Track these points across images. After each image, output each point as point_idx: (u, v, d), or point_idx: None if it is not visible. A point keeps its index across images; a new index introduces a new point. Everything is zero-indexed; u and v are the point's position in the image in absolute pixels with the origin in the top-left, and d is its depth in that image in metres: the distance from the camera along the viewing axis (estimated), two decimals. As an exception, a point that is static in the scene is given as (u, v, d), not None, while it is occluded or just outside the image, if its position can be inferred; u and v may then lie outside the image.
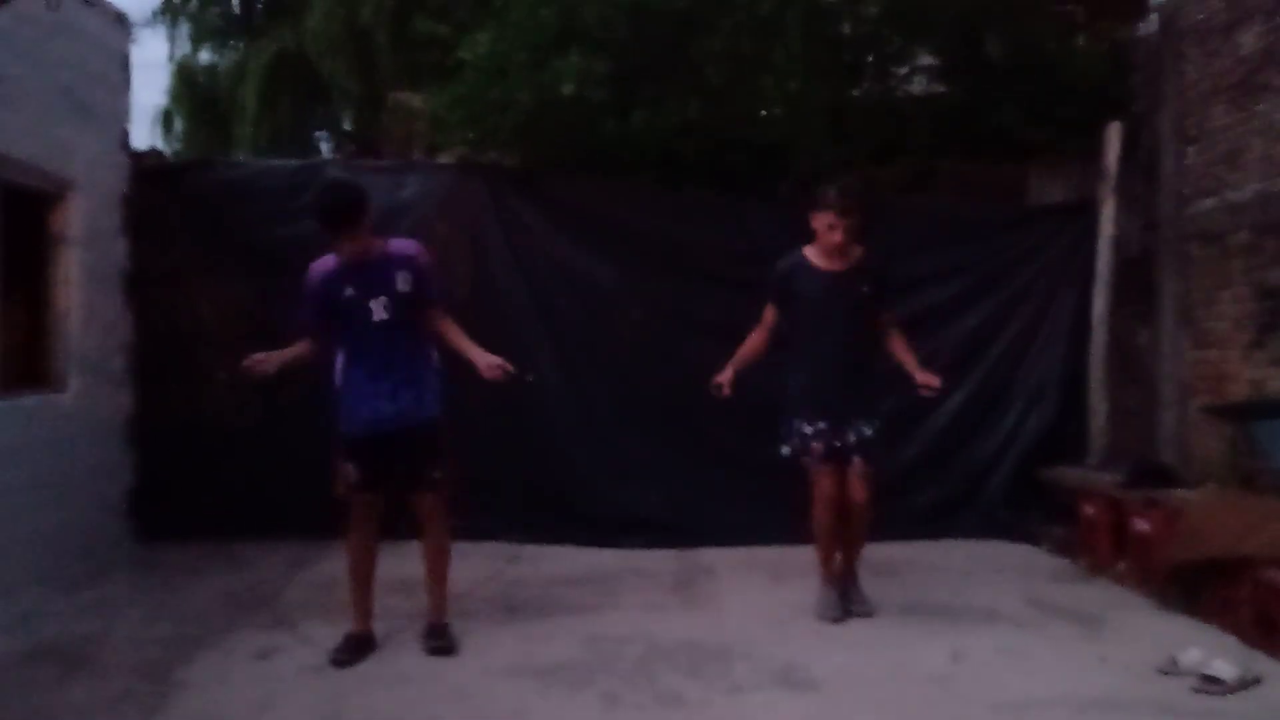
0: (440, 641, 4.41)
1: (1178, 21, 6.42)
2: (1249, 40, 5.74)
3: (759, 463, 6.14)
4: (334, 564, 5.74)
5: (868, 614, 4.88)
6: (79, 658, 4.29)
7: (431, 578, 4.54)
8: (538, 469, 6.50)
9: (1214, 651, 4.11)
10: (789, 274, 4.90)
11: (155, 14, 14.06)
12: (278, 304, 6.10)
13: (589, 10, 6.42)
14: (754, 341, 5.06)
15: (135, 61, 6.46)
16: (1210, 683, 3.89)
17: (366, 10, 11.28)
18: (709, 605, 5.21)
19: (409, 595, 4.80)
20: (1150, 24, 6.78)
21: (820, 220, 4.77)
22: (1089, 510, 5.88)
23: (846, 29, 7.24)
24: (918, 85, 7.68)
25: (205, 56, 14.64)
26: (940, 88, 7.59)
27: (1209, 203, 6.10)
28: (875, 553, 5.29)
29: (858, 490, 4.80)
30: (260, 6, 14.45)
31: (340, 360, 4.44)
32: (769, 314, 5.02)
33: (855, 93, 7.39)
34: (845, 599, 4.92)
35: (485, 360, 4.40)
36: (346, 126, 14.13)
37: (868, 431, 4.81)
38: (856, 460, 4.80)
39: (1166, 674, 4.04)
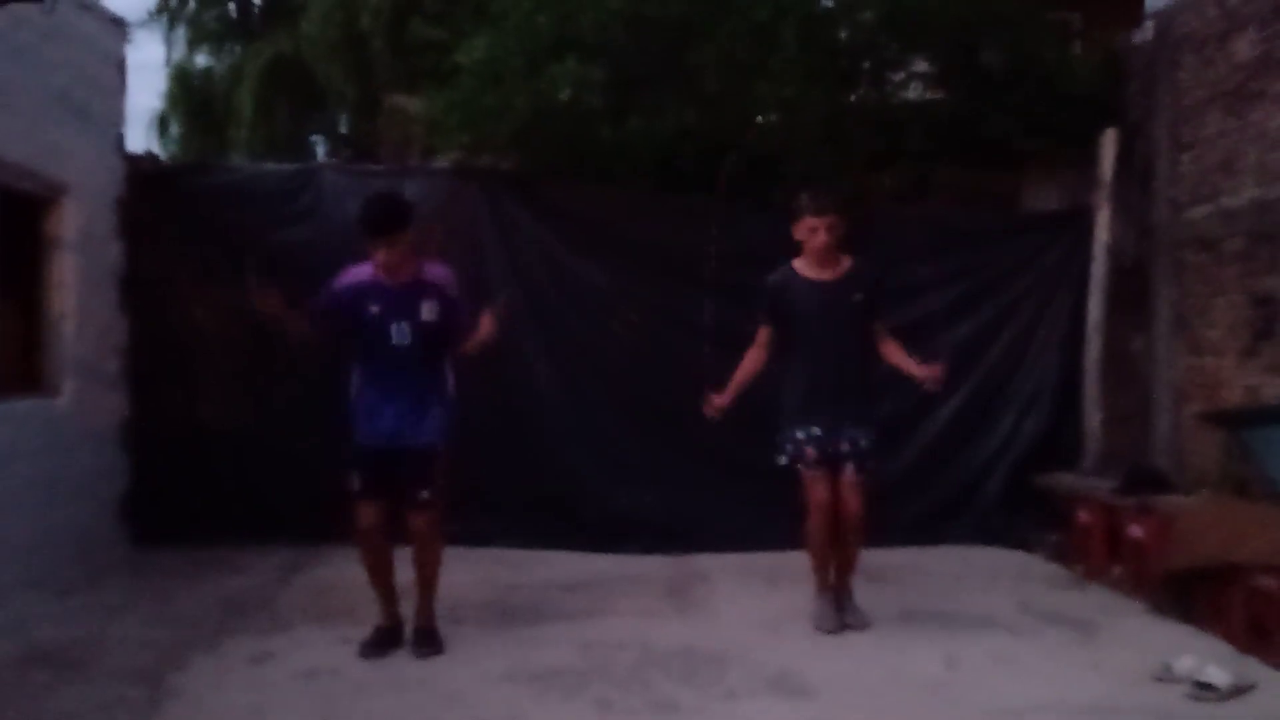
0: (428, 647, 4.41)
1: (1173, 30, 6.44)
2: (1243, 48, 5.76)
3: (755, 468, 6.14)
4: (329, 569, 5.76)
5: (863, 626, 4.85)
6: (72, 662, 4.28)
7: (420, 586, 4.54)
8: (534, 474, 6.49)
9: (1208, 658, 4.11)
10: (780, 289, 4.89)
11: (151, 16, 14.06)
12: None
13: (585, 17, 6.43)
14: (751, 362, 5.03)
15: (131, 64, 6.45)
16: (1204, 689, 3.89)
17: (363, 15, 11.29)
18: (704, 611, 5.20)
19: (404, 602, 4.78)
20: (1145, 32, 6.80)
21: (801, 228, 4.78)
22: (1083, 516, 5.89)
23: (843, 36, 7.25)
24: (914, 92, 7.70)
25: (201, 60, 14.67)
26: (936, 95, 7.61)
27: (1204, 210, 6.12)
28: (870, 559, 5.28)
29: (849, 499, 4.78)
30: (257, 10, 14.46)
31: (356, 371, 4.49)
32: (763, 334, 5.00)
33: (851, 99, 7.40)
34: (841, 610, 4.91)
35: (484, 327, 4.41)
36: (343, 131, 14.13)
37: (862, 441, 4.80)
38: (848, 469, 4.79)
39: (1160, 680, 4.05)
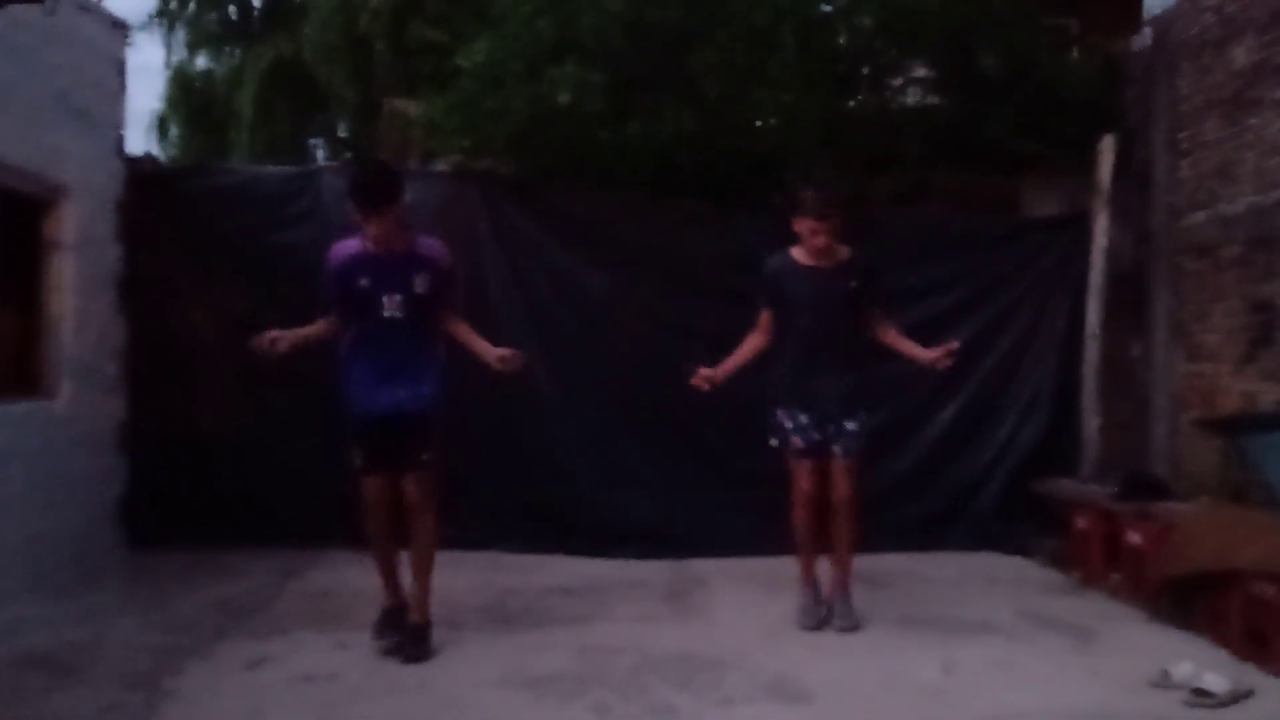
0: (417, 648, 4.39)
1: (1171, 36, 6.45)
2: (1241, 55, 5.77)
3: (753, 473, 6.14)
4: (326, 573, 5.76)
5: (850, 629, 4.85)
6: (68, 666, 4.27)
7: (415, 567, 4.52)
8: (531, 479, 6.49)
9: (1205, 664, 4.11)
10: (778, 273, 4.95)
11: (152, 19, 14.06)
12: (271, 310, 6.13)
13: (585, 21, 6.44)
14: (751, 344, 5.08)
15: (131, 67, 6.45)
16: (1202, 696, 3.89)
17: (364, 18, 11.29)
18: (702, 616, 5.20)
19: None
20: (1144, 38, 6.81)
21: (802, 225, 4.83)
22: (1081, 522, 5.89)
23: (841, 41, 7.26)
24: (912, 97, 7.70)
25: (202, 62, 14.66)
26: (934, 100, 7.61)
27: (1201, 216, 6.13)
28: (867, 564, 5.30)
29: (840, 484, 4.83)
30: (257, 13, 14.46)
31: (347, 342, 4.49)
32: (764, 317, 5.05)
33: (849, 104, 7.41)
34: (826, 607, 4.92)
35: (493, 353, 4.46)
36: (342, 134, 14.13)
37: (849, 426, 4.85)
38: (837, 453, 4.83)
39: (1158, 687, 4.04)
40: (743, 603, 5.37)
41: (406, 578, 4.58)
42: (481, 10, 7.27)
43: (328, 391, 4.67)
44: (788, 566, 5.22)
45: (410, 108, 8.84)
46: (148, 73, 18.54)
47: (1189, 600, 4.87)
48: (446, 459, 4.62)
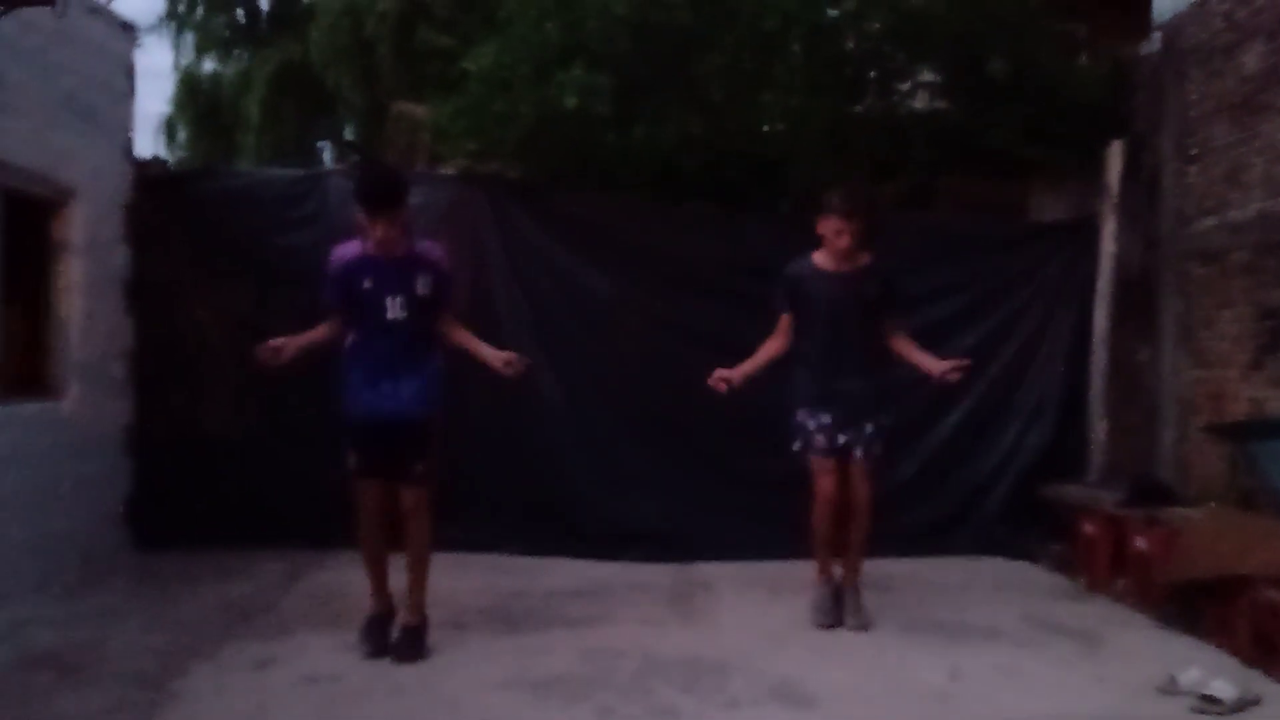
0: (412, 649, 4.40)
1: (1180, 41, 6.44)
2: (1251, 61, 5.75)
3: (758, 477, 6.17)
4: (331, 574, 5.76)
5: (862, 628, 4.88)
6: (74, 666, 4.27)
7: (410, 570, 4.52)
8: (536, 481, 6.48)
9: (1213, 671, 4.09)
10: (798, 278, 4.98)
11: (160, 21, 14.10)
12: (277, 313, 6.15)
13: (592, 25, 6.44)
14: (770, 347, 5.10)
15: (139, 69, 6.46)
16: (1209, 703, 3.88)
17: (371, 22, 11.32)
18: (706, 620, 5.19)
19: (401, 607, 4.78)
20: (1152, 43, 6.79)
21: (827, 225, 4.87)
22: (1088, 528, 5.87)
23: (849, 46, 7.26)
24: (920, 102, 7.70)
25: (209, 65, 14.69)
26: (942, 105, 7.61)
27: (1210, 222, 6.11)
28: (874, 568, 5.28)
29: (859, 486, 4.89)
30: (265, 16, 14.50)
31: (348, 345, 4.50)
32: (783, 321, 5.07)
33: (857, 109, 7.40)
34: (841, 606, 4.94)
35: (497, 357, 4.48)
36: (349, 137, 14.16)
37: (869, 428, 4.89)
38: (858, 455, 4.87)
39: (1165, 693, 4.03)
40: (747, 606, 5.36)
41: (400, 581, 4.57)
42: (488, 14, 7.29)
43: (332, 393, 4.67)
44: (792, 570, 5.22)
45: (417, 111, 8.85)
46: (156, 75, 18.64)
47: (1196, 606, 4.85)
48: (442, 463, 4.63)
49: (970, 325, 6.71)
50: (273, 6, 14.47)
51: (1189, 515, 5.25)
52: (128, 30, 6.38)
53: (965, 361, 4.92)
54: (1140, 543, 5.35)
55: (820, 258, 4.97)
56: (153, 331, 6.46)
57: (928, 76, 7.66)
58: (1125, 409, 6.63)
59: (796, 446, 4.99)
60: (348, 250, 4.45)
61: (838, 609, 4.94)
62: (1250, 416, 5.59)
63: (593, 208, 6.78)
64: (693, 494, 6.52)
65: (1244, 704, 3.89)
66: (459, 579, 5.45)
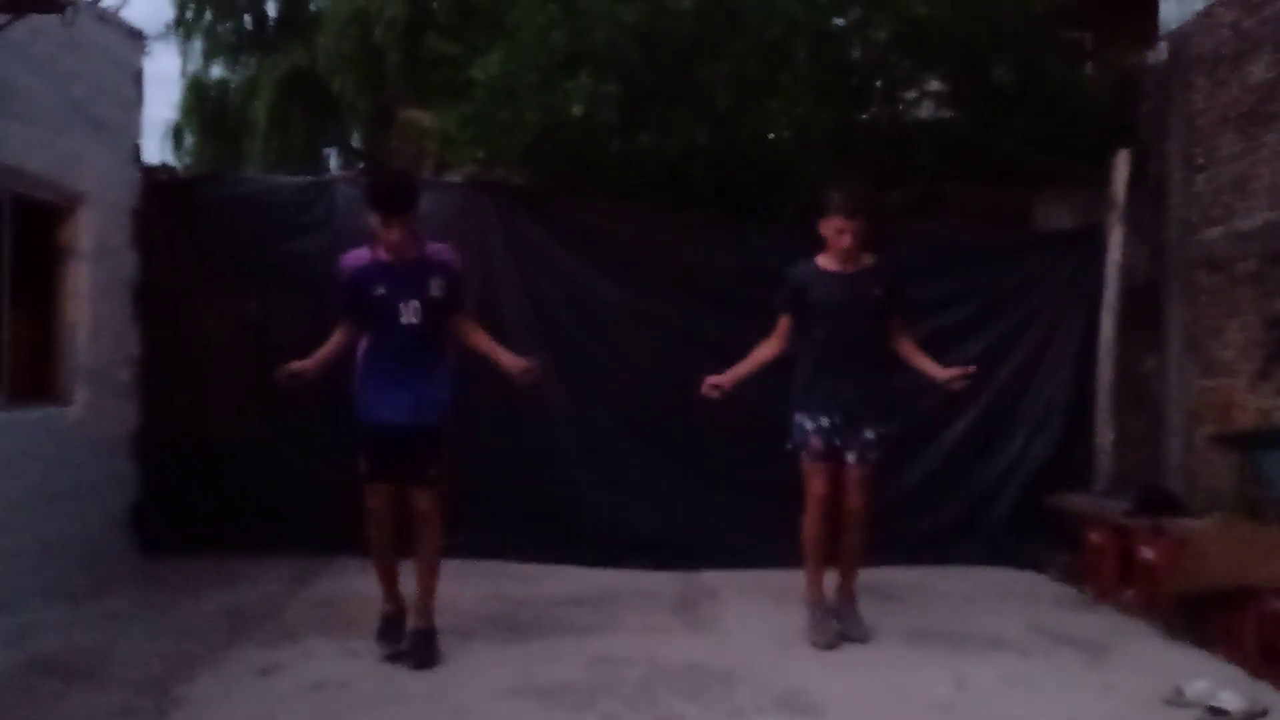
0: (424, 653, 4.39)
1: (1186, 51, 6.44)
2: (1258, 70, 5.75)
3: (763, 485, 6.14)
4: (338, 580, 5.76)
5: (861, 639, 4.85)
6: (80, 671, 4.27)
7: (420, 574, 4.52)
8: (542, 488, 6.48)
9: (1220, 682, 4.08)
10: (801, 280, 4.94)
11: (168, 28, 14.17)
12: (284, 318, 6.16)
13: (599, 33, 6.47)
14: (765, 350, 5.05)
15: (147, 76, 6.49)
16: (1216, 714, 3.87)
17: (378, 29, 11.36)
18: (712, 628, 5.18)
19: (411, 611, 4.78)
20: (1159, 53, 6.80)
21: (828, 226, 4.83)
22: (1095, 537, 5.86)
23: (855, 54, 7.27)
24: (925, 110, 7.71)
25: (217, 72, 14.76)
26: (948, 113, 7.62)
27: (1216, 231, 6.11)
28: (878, 577, 5.27)
29: (853, 494, 4.81)
30: (272, 23, 14.55)
31: (362, 351, 4.51)
32: (781, 324, 5.03)
33: (862, 117, 7.42)
34: (838, 620, 4.90)
35: (515, 364, 4.49)
36: (356, 143, 14.20)
37: (868, 434, 4.83)
38: (851, 461, 4.80)
39: (1172, 704, 4.02)
40: (753, 614, 5.35)
41: (409, 585, 4.58)
42: (495, 22, 7.31)
43: (340, 399, 4.69)
44: (798, 579, 5.19)
45: (424, 118, 8.89)
46: (164, 81, 18.70)
47: (1203, 617, 4.83)
48: (456, 469, 4.64)
49: (976, 334, 6.70)
50: (280, 13, 14.54)
51: (1196, 525, 5.24)
52: (136, 37, 6.40)
53: (970, 369, 4.89)
54: (1147, 553, 5.34)
55: (823, 259, 4.93)
56: (160, 337, 6.47)
57: (934, 85, 7.67)
58: (1132, 418, 6.62)
59: (790, 446, 4.92)
60: (357, 258, 4.45)
61: (832, 625, 4.86)
62: (1257, 426, 5.58)
63: (599, 215, 6.78)
64: (698, 501, 6.51)
65: (1251, 715, 3.87)
66: (464, 586, 5.45)
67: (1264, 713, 3.91)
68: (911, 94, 7.66)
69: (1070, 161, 6.83)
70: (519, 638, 4.89)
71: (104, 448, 5.99)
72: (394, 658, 4.42)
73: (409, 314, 4.35)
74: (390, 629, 4.55)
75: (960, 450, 6.69)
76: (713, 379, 4.96)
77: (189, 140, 14.73)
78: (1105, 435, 6.55)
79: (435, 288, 4.38)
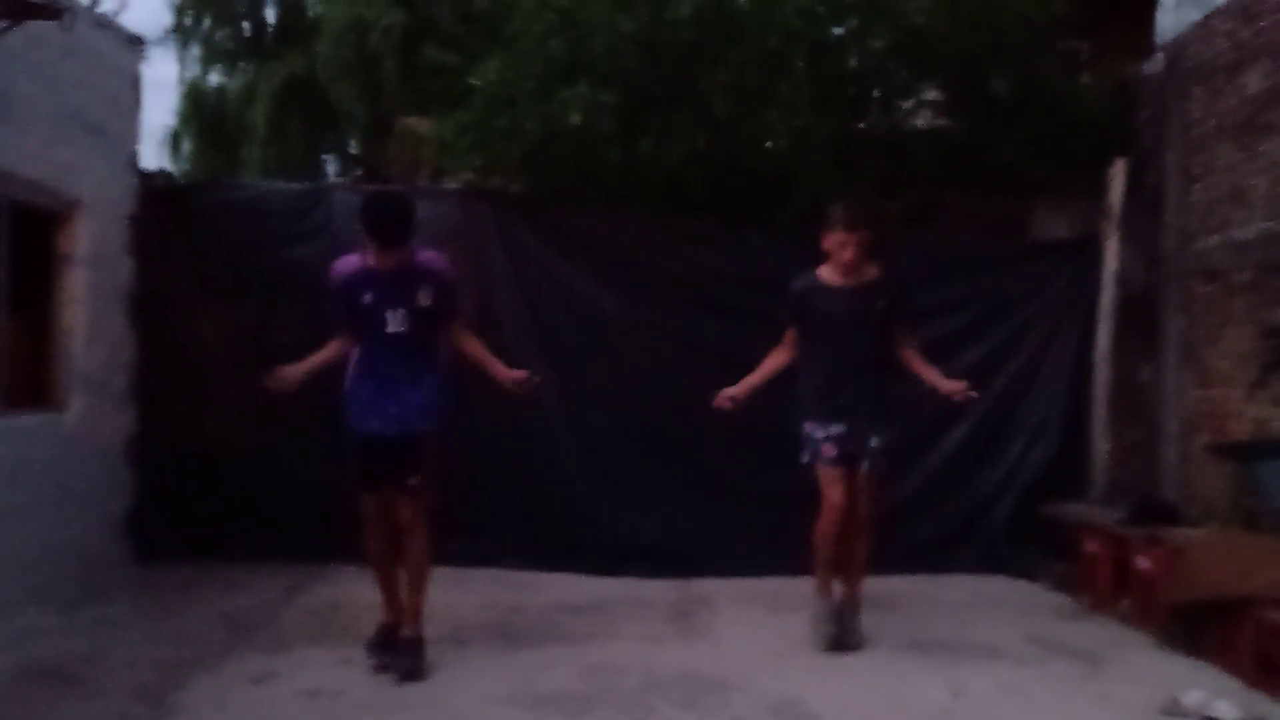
0: (410, 663, 4.37)
1: (1183, 61, 6.46)
2: (1255, 80, 5.77)
3: (760, 494, 6.16)
4: (332, 588, 5.75)
5: (855, 647, 4.86)
6: (74, 678, 4.26)
7: (409, 584, 4.51)
8: (539, 496, 6.48)
9: (1216, 692, 4.09)
10: (805, 293, 4.98)
11: (166, 34, 14.17)
12: (281, 326, 6.16)
13: (597, 41, 6.47)
14: (774, 361, 5.10)
15: (145, 82, 6.49)
16: (1212, 724, 3.87)
17: (376, 37, 11.37)
18: (707, 637, 5.18)
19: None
20: (1156, 63, 6.81)
21: (831, 239, 4.89)
22: (1091, 547, 5.86)
23: (853, 63, 7.28)
24: (923, 119, 7.72)
25: (215, 78, 14.75)
26: (945, 122, 7.63)
27: (1213, 240, 6.12)
28: (876, 586, 5.26)
29: (863, 501, 4.88)
30: (271, 30, 14.56)
31: (353, 359, 4.51)
32: (789, 335, 5.08)
33: (861, 126, 7.42)
34: (839, 622, 4.90)
35: (507, 374, 4.50)
36: (354, 151, 14.21)
37: (874, 442, 4.89)
38: (864, 469, 4.87)
39: (1168, 714, 4.02)
40: (748, 623, 5.35)
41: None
42: (494, 30, 7.31)
43: (335, 406, 4.68)
44: (794, 587, 5.21)
45: (422, 125, 8.89)
46: (161, 88, 18.69)
47: (1199, 627, 4.83)
48: (444, 476, 4.64)
49: (973, 343, 6.70)
50: (278, 20, 14.55)
51: (1192, 535, 5.24)
52: (134, 43, 6.41)
53: (973, 393, 4.94)
54: (1143, 562, 5.34)
55: (826, 272, 4.97)
56: (156, 343, 6.47)
57: (931, 94, 7.68)
58: (1128, 427, 6.62)
59: (805, 459, 4.95)
60: (348, 264, 4.45)
61: (836, 627, 4.89)
62: (1253, 436, 5.58)
63: (597, 223, 6.78)
64: (695, 510, 6.51)
65: (1247, 725, 3.88)
66: (460, 593, 5.45)
67: (1260, 723, 3.92)
68: (909, 103, 7.66)
69: (1067, 171, 6.84)
70: (515, 645, 4.88)
71: (100, 454, 5.99)
72: (381, 668, 4.40)
73: (395, 323, 4.34)
74: (382, 640, 4.53)
75: (957, 459, 6.69)
76: (727, 392, 4.98)
77: (187, 147, 14.70)
78: (1101, 444, 6.56)
79: (424, 297, 4.37)
